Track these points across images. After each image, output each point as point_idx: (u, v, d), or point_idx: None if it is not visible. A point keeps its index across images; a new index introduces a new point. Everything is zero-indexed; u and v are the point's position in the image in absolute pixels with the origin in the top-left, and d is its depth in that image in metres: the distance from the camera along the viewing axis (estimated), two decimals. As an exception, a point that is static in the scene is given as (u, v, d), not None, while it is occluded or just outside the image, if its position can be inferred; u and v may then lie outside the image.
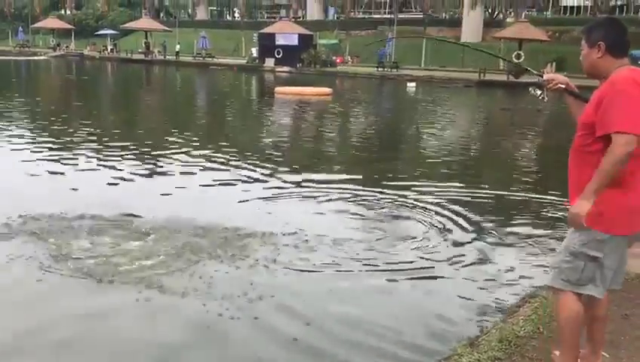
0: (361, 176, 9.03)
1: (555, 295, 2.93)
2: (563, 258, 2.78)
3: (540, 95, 3.07)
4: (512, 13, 48.56)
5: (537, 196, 8.01)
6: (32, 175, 8.30)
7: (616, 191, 2.61)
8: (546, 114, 19.80)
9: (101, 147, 10.65)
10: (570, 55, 38.14)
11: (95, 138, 11.67)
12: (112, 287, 4.42)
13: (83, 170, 8.81)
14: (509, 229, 6.43)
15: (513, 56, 35.36)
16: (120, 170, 8.87)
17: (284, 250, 5.38)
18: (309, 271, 4.95)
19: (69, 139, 11.58)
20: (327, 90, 24.27)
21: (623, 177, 2.60)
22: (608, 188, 2.59)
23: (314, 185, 8.23)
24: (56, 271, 4.69)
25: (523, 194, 8.25)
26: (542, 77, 2.99)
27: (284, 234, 5.78)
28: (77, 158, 9.65)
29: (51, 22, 61.58)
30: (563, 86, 2.92)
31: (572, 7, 55.69)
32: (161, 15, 76.12)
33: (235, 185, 8.19)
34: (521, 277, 4.99)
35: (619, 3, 45.13)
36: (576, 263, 2.73)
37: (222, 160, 9.90)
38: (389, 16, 58.70)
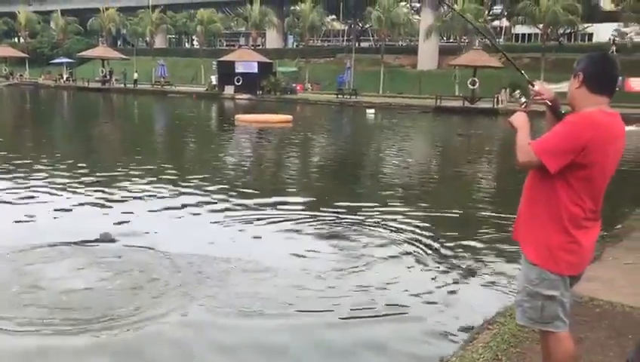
0: (318, 200, 9.04)
1: (542, 337, 2.85)
2: (522, 298, 2.76)
3: (523, 102, 2.98)
4: (467, 41, 49.88)
5: (495, 219, 8.15)
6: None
7: (565, 234, 2.62)
8: (499, 139, 20.28)
9: (50, 175, 10.38)
10: (522, 81, 39.41)
11: (50, 167, 11.38)
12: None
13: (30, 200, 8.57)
14: (466, 253, 6.49)
15: (468, 82, 36.32)
16: (68, 198, 8.68)
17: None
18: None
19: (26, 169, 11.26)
20: (288, 117, 24.35)
21: (571, 223, 2.60)
22: (558, 229, 2.61)
23: (270, 209, 8.21)
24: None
25: (481, 215, 8.38)
26: (533, 86, 2.88)
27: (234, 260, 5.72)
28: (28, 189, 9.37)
29: (3, 50, 60.09)
30: (549, 103, 2.84)
31: (523, 35, 57.74)
32: (119, 43, 75.47)
33: (194, 210, 8.09)
34: (480, 302, 5.02)
35: (567, 31, 46.88)
36: (533, 303, 2.70)
37: (180, 187, 9.77)
38: (347, 44, 59.70)
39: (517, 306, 2.84)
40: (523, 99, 2.98)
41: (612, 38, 44.01)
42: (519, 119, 2.75)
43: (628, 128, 2.92)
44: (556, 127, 2.62)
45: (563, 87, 2.98)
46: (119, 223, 7.28)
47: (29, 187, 9.51)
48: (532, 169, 2.65)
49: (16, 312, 4.49)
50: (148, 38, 63.27)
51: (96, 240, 6.41)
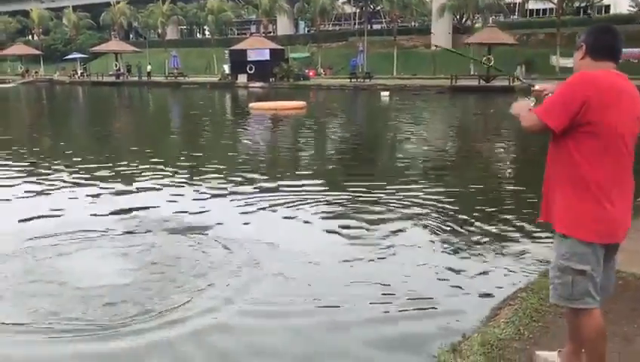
0: (337, 185, 9.03)
1: (570, 313, 2.83)
2: (554, 274, 2.75)
3: (535, 104, 2.98)
4: (480, 19, 49.31)
5: (516, 196, 8.08)
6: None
7: (590, 200, 2.59)
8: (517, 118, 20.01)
9: (82, 169, 10.50)
10: (537, 57, 38.98)
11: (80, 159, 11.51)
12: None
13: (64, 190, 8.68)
14: (487, 230, 6.45)
15: (483, 60, 35.91)
16: (99, 191, 8.77)
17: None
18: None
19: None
20: (302, 103, 24.30)
21: (596, 188, 2.58)
22: (583, 196, 2.60)
23: (295, 195, 8.23)
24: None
25: (501, 194, 8.32)
26: (533, 87, 2.99)
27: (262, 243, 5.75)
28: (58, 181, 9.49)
29: (18, 48, 60.77)
30: (552, 93, 2.84)
31: (537, 11, 56.82)
32: (131, 36, 75.81)
33: (221, 197, 8.15)
34: (502, 278, 5.00)
35: (583, 4, 46.04)
36: (564, 278, 2.68)
37: (200, 178, 9.83)
38: (358, 27, 59.30)
39: (550, 284, 2.82)
40: (529, 101, 2.99)
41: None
42: (517, 105, 2.87)
43: None
44: (556, 91, 2.68)
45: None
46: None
47: (61, 180, 9.63)
48: (539, 131, 2.68)
49: (51, 305, 4.51)
50: (160, 30, 63.40)
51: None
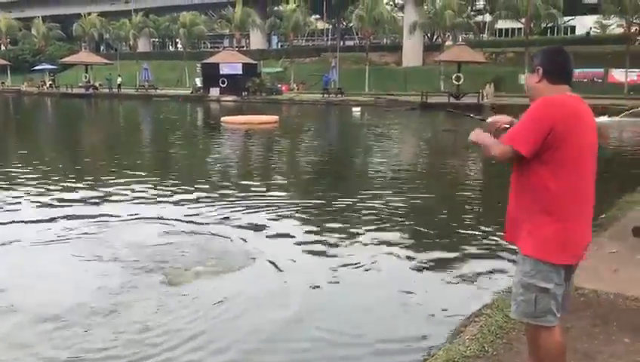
0: (308, 198, 9.04)
1: (529, 330, 2.86)
2: (517, 290, 2.78)
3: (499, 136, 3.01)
4: (450, 37, 50.14)
5: (480, 213, 8.17)
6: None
7: (555, 223, 2.63)
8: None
9: (48, 183, 10.29)
10: (506, 75, 39.77)
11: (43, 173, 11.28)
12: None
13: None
14: (452, 245, 6.52)
15: (453, 78, 36.50)
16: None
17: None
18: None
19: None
20: (274, 118, 24.31)
21: (560, 211, 2.62)
22: (548, 219, 2.63)
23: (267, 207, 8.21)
24: None
25: (466, 210, 8.41)
26: (485, 120, 3.03)
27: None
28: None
29: (-16, 58, 59.67)
30: (507, 125, 2.89)
31: (506, 30, 58.08)
32: (102, 48, 74.99)
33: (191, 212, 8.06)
34: (467, 295, 5.04)
35: (550, 25, 47.22)
36: (527, 296, 2.71)
37: (170, 191, 9.74)
38: (331, 43, 59.78)
39: (512, 300, 2.85)
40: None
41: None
42: (474, 133, 2.91)
43: (598, 120, 2.97)
44: (521, 117, 2.70)
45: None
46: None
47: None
48: (508, 159, 2.69)
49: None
50: (131, 42, 62.85)
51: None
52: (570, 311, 3.98)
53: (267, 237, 6.90)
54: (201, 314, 4.60)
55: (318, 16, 62.86)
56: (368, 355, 4.03)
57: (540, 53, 2.80)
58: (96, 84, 50.21)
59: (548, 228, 2.64)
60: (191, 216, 7.82)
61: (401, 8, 55.20)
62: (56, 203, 8.85)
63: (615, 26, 43.68)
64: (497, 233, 6.69)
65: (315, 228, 7.29)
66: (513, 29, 56.52)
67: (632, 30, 37.07)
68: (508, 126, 2.87)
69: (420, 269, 5.80)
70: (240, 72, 42.80)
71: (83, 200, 9.01)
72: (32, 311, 4.63)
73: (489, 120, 2.99)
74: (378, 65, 49.14)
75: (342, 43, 56.55)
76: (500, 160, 2.71)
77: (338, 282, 5.40)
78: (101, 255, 6.06)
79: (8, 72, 58.89)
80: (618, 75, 36.74)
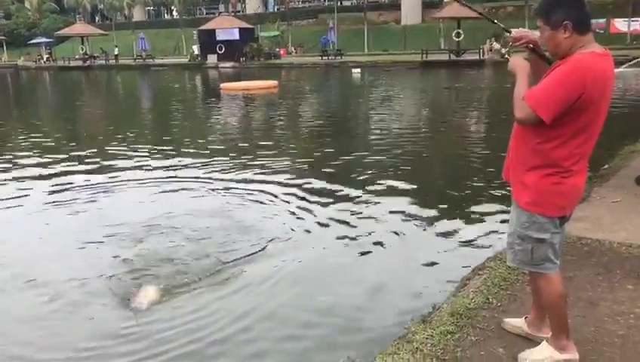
0: (313, 164, 9.06)
1: (532, 278, 2.91)
2: (513, 240, 2.79)
3: (504, 53, 2.82)
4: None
5: (484, 164, 8.18)
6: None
7: (552, 176, 2.61)
8: (487, 89, 20.20)
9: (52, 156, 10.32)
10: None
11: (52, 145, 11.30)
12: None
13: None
14: (454, 203, 6.55)
15: (453, 34, 35.99)
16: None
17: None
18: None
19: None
20: (273, 82, 24.14)
21: (557, 165, 2.59)
22: (545, 172, 2.60)
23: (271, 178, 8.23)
24: None
25: (472, 166, 8.40)
26: (509, 33, 2.75)
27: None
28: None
29: (-21, 34, 59.08)
30: (532, 46, 2.72)
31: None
32: (97, 19, 74.02)
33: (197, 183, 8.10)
34: (470, 247, 5.10)
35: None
36: (524, 246, 2.73)
37: (176, 160, 9.78)
38: (328, 3, 58.77)
39: (508, 248, 2.87)
40: (503, 50, 2.81)
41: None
42: (515, 63, 2.66)
43: (617, 70, 2.88)
44: (550, 77, 2.51)
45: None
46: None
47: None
48: (530, 123, 2.53)
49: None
50: (126, 12, 61.99)
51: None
52: (573, 260, 4.06)
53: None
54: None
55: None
56: (376, 308, 4.11)
57: (561, 6, 2.51)
58: (95, 55, 49.79)
59: (544, 181, 2.62)
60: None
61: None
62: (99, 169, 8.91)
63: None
64: (500, 184, 6.69)
65: (316, 189, 7.32)
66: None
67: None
68: (532, 46, 2.70)
69: (424, 228, 5.84)
70: (237, 38, 42.28)
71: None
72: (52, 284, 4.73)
73: (514, 33, 2.74)
74: (377, 25, 48.44)
75: (339, 3, 55.59)
76: (520, 122, 2.58)
77: (347, 245, 5.44)
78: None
79: (4, 46, 58.36)
80: (620, 24, 36.22)
